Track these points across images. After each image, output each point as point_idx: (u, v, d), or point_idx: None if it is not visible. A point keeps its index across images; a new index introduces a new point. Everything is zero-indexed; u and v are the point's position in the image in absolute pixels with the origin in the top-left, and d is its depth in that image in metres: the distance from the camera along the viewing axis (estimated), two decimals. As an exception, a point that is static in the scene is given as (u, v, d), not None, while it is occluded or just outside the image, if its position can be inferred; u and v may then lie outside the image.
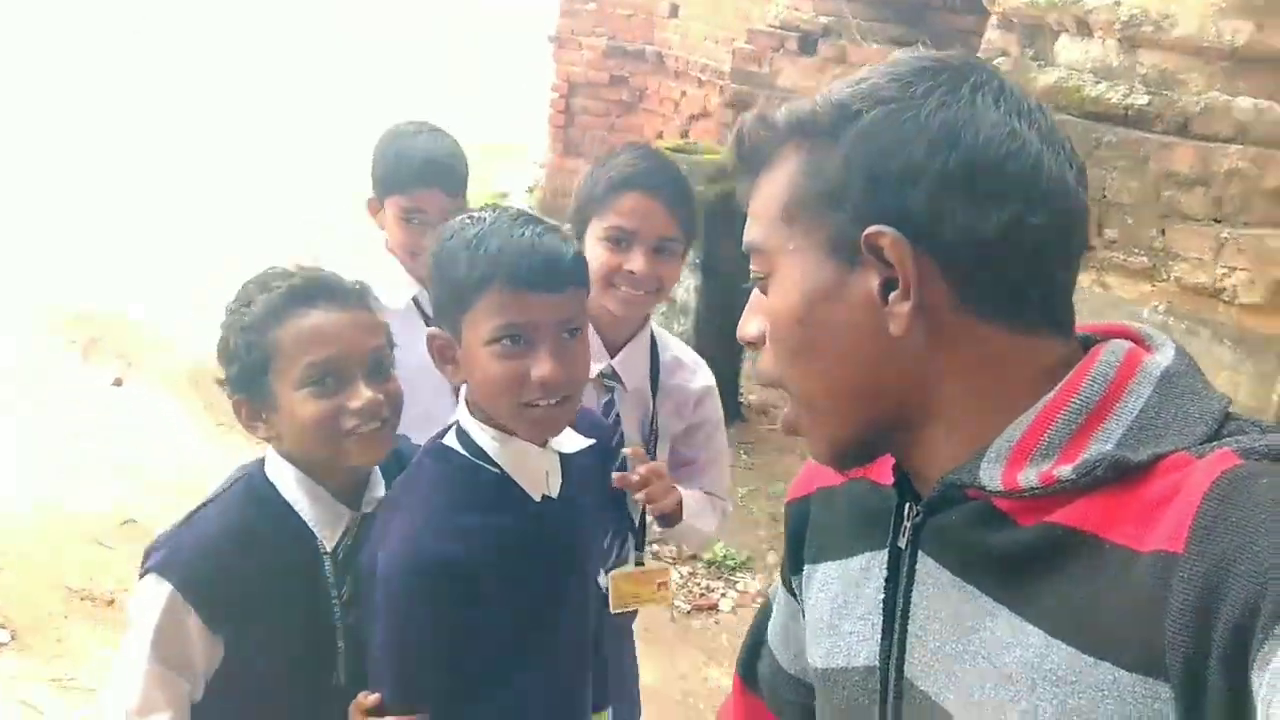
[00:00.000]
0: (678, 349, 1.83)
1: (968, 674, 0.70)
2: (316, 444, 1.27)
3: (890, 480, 0.79)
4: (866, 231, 0.69)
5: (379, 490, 1.34)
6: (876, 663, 0.78)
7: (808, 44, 5.15)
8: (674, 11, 6.59)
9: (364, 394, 1.25)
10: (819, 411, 0.76)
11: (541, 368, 1.21)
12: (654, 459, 1.71)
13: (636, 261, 1.60)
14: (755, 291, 0.80)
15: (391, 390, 1.30)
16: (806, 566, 0.88)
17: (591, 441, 1.41)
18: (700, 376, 1.82)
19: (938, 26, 5.40)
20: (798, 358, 0.75)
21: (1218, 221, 2.71)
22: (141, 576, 1.27)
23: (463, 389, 1.33)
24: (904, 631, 0.75)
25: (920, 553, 0.75)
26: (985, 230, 0.68)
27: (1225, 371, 2.76)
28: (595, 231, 1.64)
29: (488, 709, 1.30)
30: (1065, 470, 0.66)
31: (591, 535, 1.47)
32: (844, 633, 0.81)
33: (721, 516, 1.85)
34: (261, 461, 1.34)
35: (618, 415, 1.70)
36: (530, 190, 7.85)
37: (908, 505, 0.77)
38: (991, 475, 0.69)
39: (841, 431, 0.76)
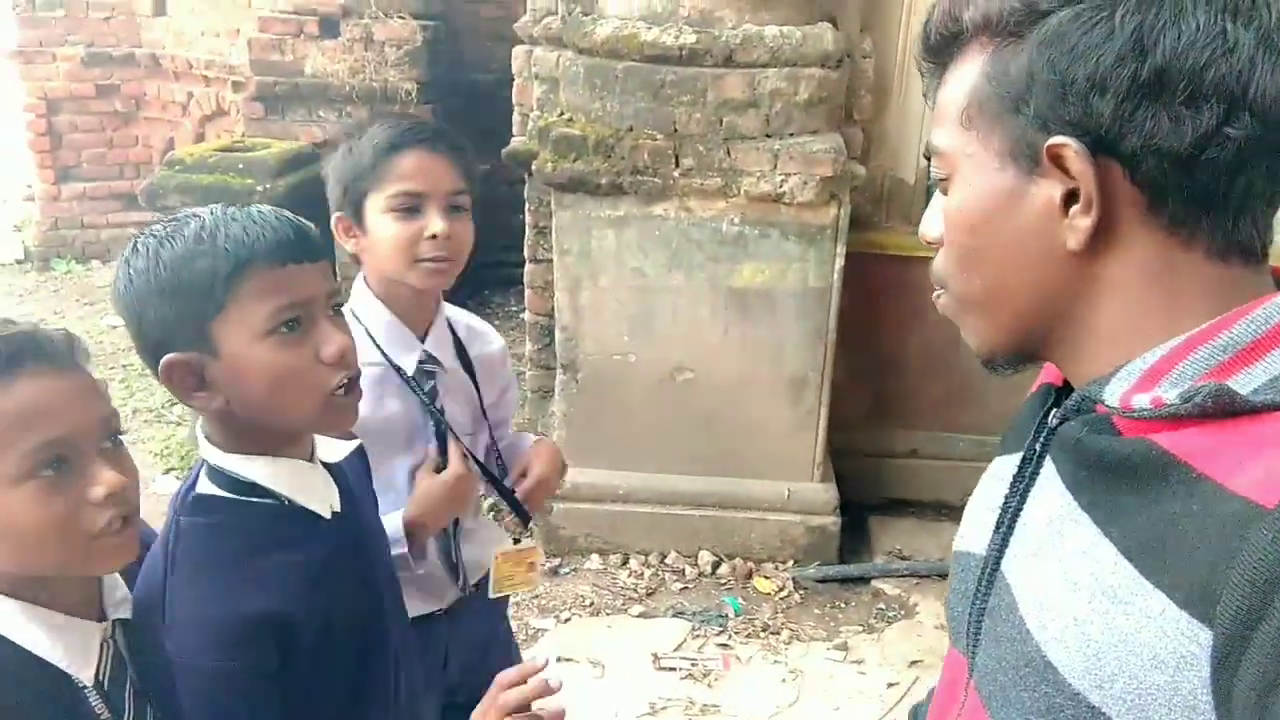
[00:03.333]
0: (465, 318, 1.77)
1: (1042, 573, 0.71)
2: (51, 556, 0.96)
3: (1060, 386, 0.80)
4: (1049, 142, 0.67)
5: (120, 589, 1.08)
6: (984, 551, 0.80)
7: (329, 26, 5.03)
8: (160, 8, 6.07)
9: (107, 478, 0.96)
10: (978, 313, 0.77)
11: (331, 344, 1.10)
12: (486, 433, 1.72)
13: (436, 223, 1.51)
14: (937, 192, 0.79)
15: (130, 468, 1.02)
16: (993, 461, 0.89)
17: (357, 443, 1.33)
18: (495, 338, 1.79)
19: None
20: (967, 261, 0.75)
21: (769, 137, 3.15)
22: None
23: (198, 426, 1.16)
24: (1011, 528, 0.78)
25: (1048, 457, 0.76)
26: (1177, 142, 0.64)
27: (795, 263, 3.24)
28: (376, 205, 1.52)
29: None
30: (1172, 395, 0.65)
31: (385, 542, 1.40)
32: (976, 522, 0.84)
33: None
34: None
35: (441, 405, 1.63)
36: (18, 229, 6.85)
37: (1053, 411, 0.77)
38: (1114, 393, 0.69)
39: (995, 336, 0.77)
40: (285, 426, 1.14)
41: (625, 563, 3.45)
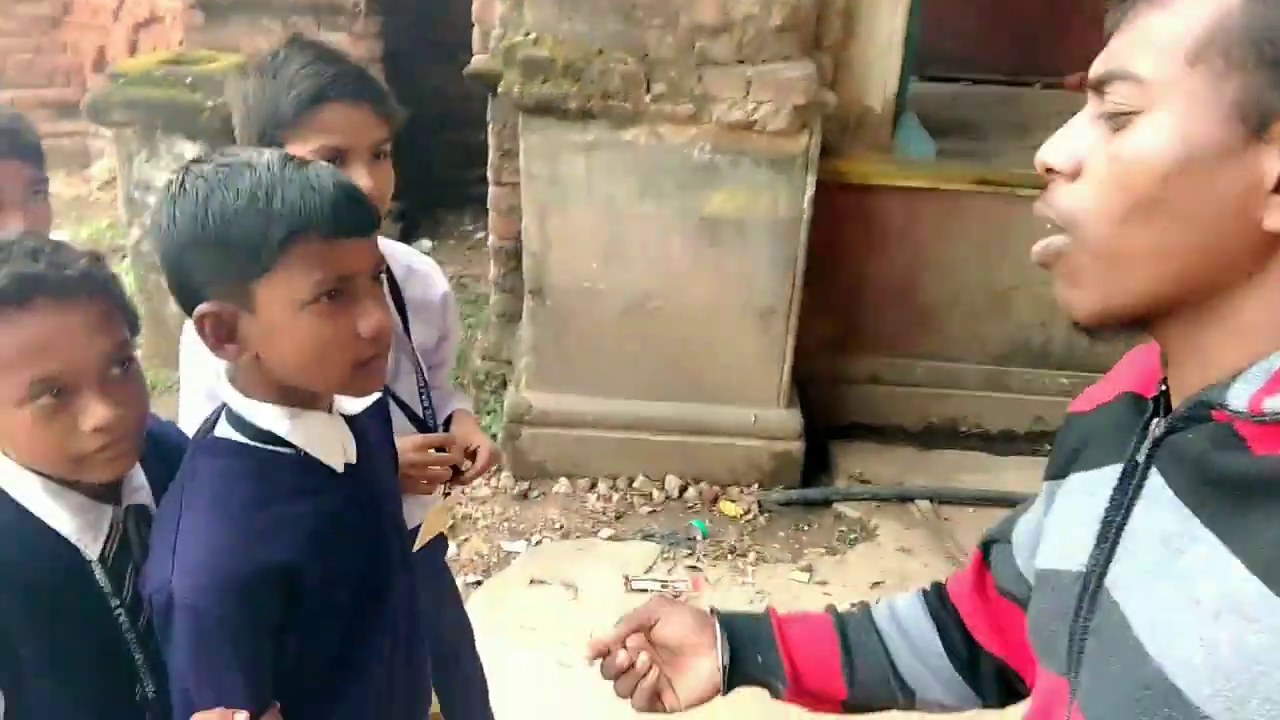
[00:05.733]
0: (406, 257, 1.70)
1: (1160, 593, 0.68)
2: (50, 467, 1.09)
3: (1153, 395, 0.76)
4: None
5: (139, 477, 1.17)
6: (1084, 569, 0.77)
7: (270, -69, 4.81)
8: (87, -96, 5.74)
9: (97, 413, 1.05)
10: (1117, 271, 0.69)
11: (369, 319, 1.08)
12: (415, 376, 1.67)
13: (361, 178, 1.41)
14: (1079, 116, 0.70)
15: (133, 393, 1.11)
16: (1069, 475, 0.86)
17: (376, 397, 1.29)
18: (438, 282, 1.74)
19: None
20: (1139, 212, 0.67)
21: (741, 63, 3.12)
22: None
23: (221, 369, 1.15)
24: (1115, 543, 0.74)
25: (1153, 469, 0.72)
26: None
27: (765, 192, 3.25)
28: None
29: (340, 709, 1.22)
30: None
31: (397, 496, 1.38)
32: (1068, 537, 0.81)
33: None
34: None
35: None
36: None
37: (1155, 420, 0.74)
38: (1240, 395, 0.65)
39: (1127, 299, 0.70)
40: (312, 388, 1.13)
41: (593, 487, 3.50)
